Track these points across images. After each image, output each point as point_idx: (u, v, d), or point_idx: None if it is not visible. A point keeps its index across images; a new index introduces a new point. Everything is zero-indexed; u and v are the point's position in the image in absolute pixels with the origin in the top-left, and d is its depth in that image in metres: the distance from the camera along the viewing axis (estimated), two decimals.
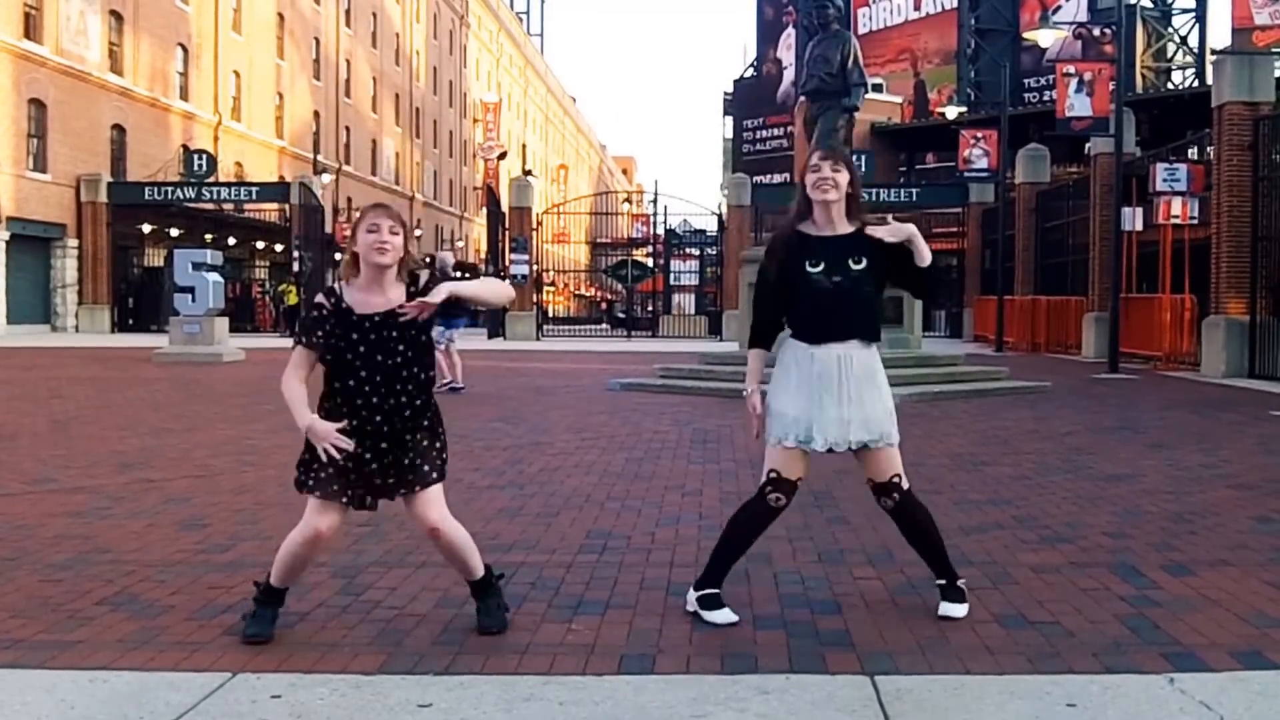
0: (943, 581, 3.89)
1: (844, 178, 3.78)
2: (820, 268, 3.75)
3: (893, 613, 3.91)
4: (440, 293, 3.46)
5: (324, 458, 3.45)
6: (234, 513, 5.68)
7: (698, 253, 39.55)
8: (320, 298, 3.58)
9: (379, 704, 3.04)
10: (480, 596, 3.73)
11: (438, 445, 3.67)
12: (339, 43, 55.28)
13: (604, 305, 69.23)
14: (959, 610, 3.83)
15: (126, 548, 4.86)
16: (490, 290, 3.84)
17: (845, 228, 3.82)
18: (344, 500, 3.53)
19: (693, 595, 3.89)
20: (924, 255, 3.78)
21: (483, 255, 47.61)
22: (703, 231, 37.87)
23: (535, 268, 34.81)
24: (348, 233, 3.63)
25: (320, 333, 3.51)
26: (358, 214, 3.61)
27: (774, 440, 3.80)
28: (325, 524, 3.54)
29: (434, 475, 3.63)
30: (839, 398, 3.73)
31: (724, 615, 3.77)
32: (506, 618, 3.72)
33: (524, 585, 4.26)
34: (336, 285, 3.59)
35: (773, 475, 3.79)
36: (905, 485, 3.87)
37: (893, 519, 3.95)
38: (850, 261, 3.76)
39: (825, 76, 14.01)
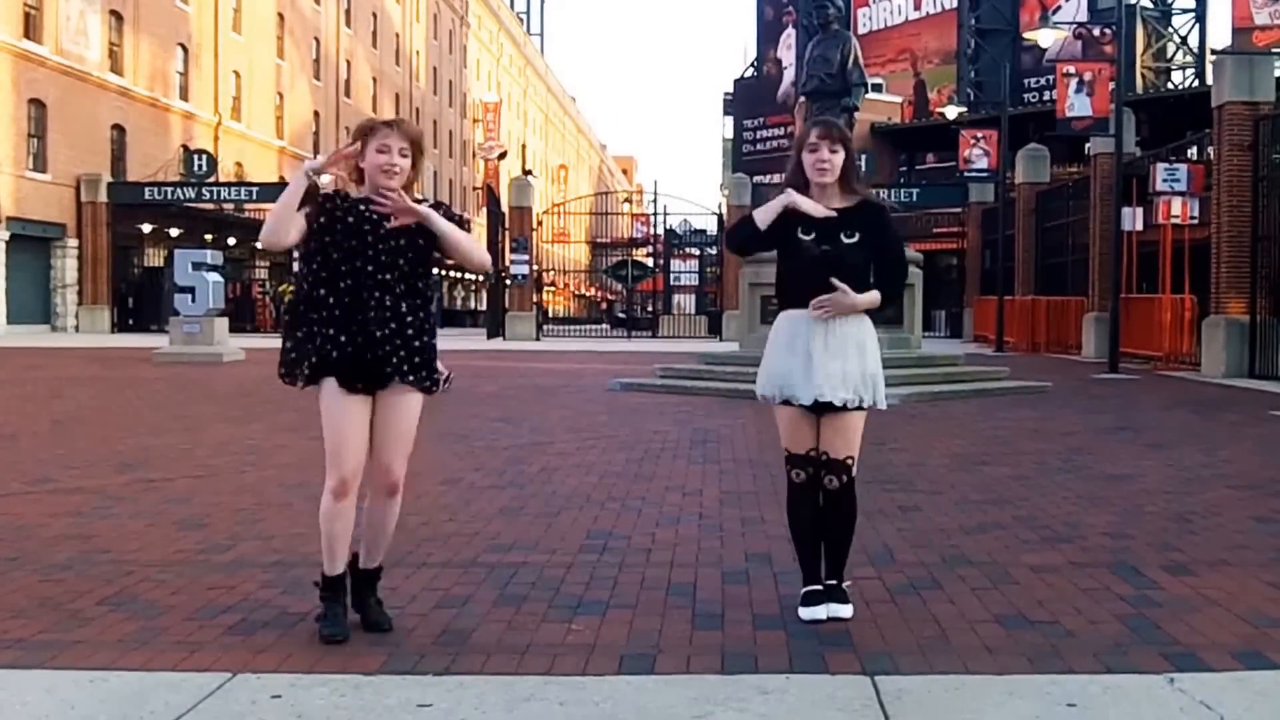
0: (833, 581, 3.87)
1: (840, 158, 3.80)
2: (811, 236, 3.78)
3: (893, 613, 3.91)
4: (422, 206, 3.52)
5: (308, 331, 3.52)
6: (234, 513, 5.68)
7: (698, 253, 39.56)
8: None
9: (379, 704, 3.04)
10: (366, 592, 3.71)
11: (419, 354, 3.59)
12: (339, 43, 55.28)
13: (604, 305, 69.23)
14: (846, 610, 3.81)
15: (126, 548, 4.86)
16: (469, 242, 3.72)
17: (839, 202, 3.84)
18: (329, 373, 3.52)
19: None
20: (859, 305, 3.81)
21: None
22: (703, 231, 37.88)
23: (535, 268, 34.82)
24: (352, 145, 3.57)
25: (324, 203, 3.55)
26: (367, 127, 3.57)
27: (760, 398, 3.92)
28: (347, 468, 3.55)
29: (413, 376, 3.57)
30: (822, 359, 3.75)
31: (810, 612, 3.78)
32: (385, 615, 3.70)
33: (524, 585, 4.26)
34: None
35: (785, 453, 3.89)
36: (854, 472, 3.87)
37: (826, 501, 3.87)
38: (843, 235, 3.78)
39: (825, 76, 14.02)
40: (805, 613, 3.80)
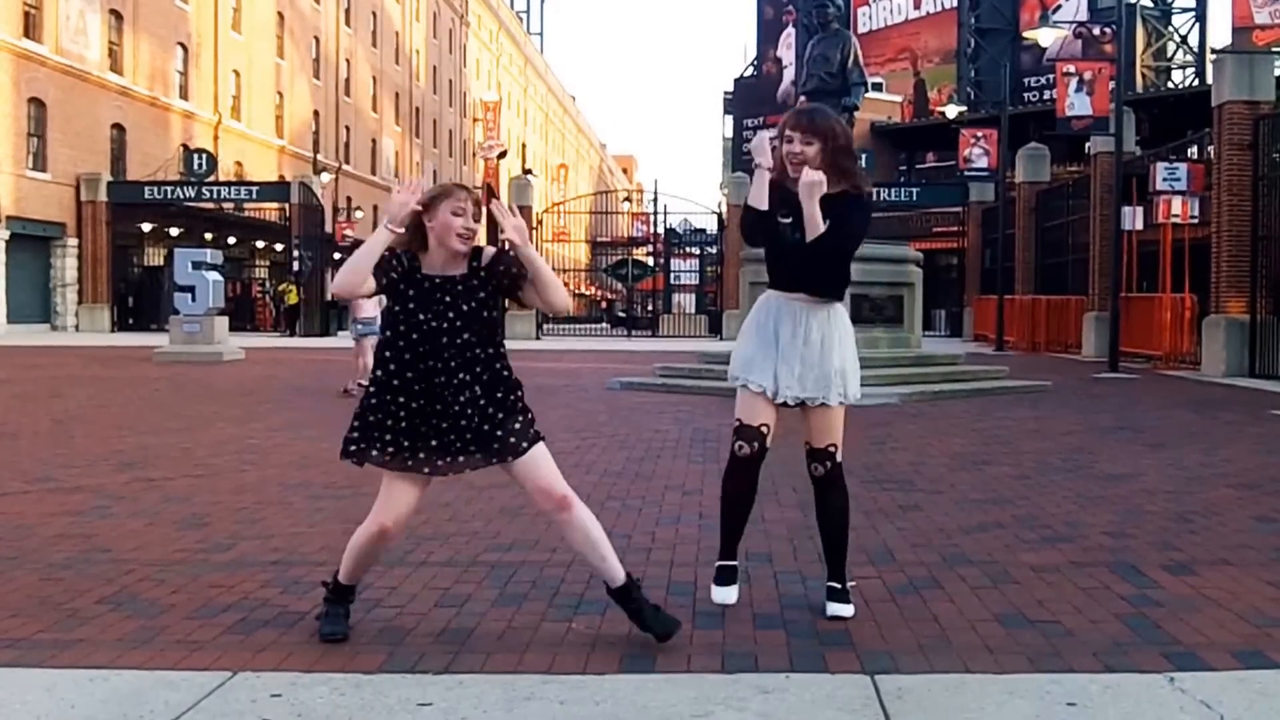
0: (834, 584, 3.87)
1: (814, 149, 3.71)
2: (789, 220, 3.75)
3: (893, 612, 3.91)
4: (517, 233, 3.46)
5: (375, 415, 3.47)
6: (234, 512, 5.68)
7: (698, 252, 39.56)
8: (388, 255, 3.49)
9: (379, 703, 3.03)
10: (625, 603, 3.54)
11: (507, 414, 3.50)
12: (339, 42, 55.27)
13: (604, 304, 69.22)
14: (847, 610, 3.82)
15: (126, 547, 4.86)
16: (551, 277, 3.60)
17: (825, 191, 3.71)
18: (388, 458, 3.47)
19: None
20: (815, 225, 3.66)
21: None
22: (703, 230, 37.90)
23: None
24: (420, 207, 3.44)
25: (390, 271, 3.45)
26: (436, 190, 3.49)
27: (730, 378, 3.91)
28: (391, 519, 3.51)
29: (518, 443, 3.48)
30: (787, 350, 3.76)
31: (721, 594, 3.85)
32: (669, 617, 3.52)
33: (524, 584, 4.26)
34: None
35: (736, 423, 3.84)
36: (839, 458, 3.85)
37: (814, 490, 3.92)
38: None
39: (825, 76, 14.01)
40: (718, 594, 3.86)
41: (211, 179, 35.51)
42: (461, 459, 3.48)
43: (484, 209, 3.52)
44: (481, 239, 3.62)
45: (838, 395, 3.80)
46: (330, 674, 3.25)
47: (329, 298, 32.15)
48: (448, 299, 3.46)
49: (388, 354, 3.47)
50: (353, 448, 3.55)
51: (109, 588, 4.18)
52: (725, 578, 3.92)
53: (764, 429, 3.80)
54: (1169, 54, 53.03)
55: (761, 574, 4.42)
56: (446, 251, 3.46)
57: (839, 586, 3.88)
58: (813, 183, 3.64)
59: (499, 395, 3.50)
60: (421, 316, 3.44)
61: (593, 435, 8.87)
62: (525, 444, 3.49)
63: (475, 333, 3.47)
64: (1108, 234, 19.25)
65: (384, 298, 3.54)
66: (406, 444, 3.46)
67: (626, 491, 6.36)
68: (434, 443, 3.46)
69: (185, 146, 37.91)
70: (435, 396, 3.44)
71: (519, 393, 3.57)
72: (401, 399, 3.45)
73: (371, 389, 3.54)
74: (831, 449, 3.82)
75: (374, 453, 3.49)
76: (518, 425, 3.51)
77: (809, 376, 3.76)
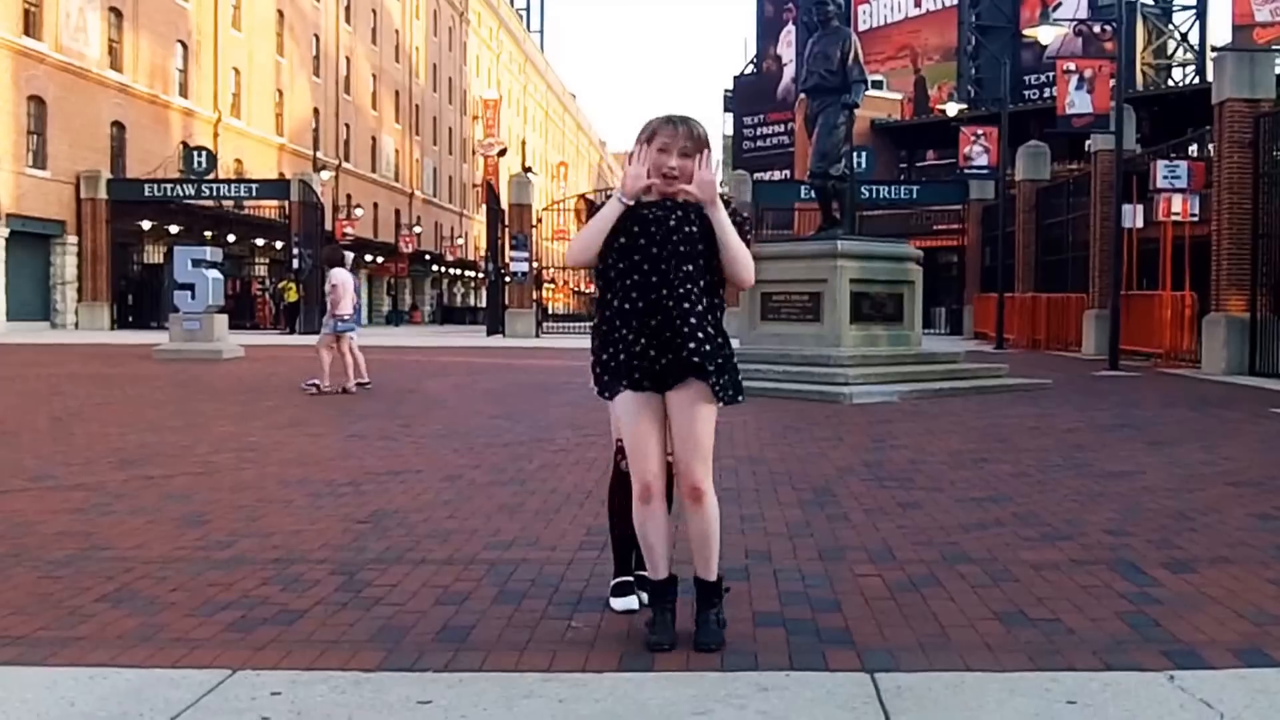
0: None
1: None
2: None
3: (893, 610, 3.91)
4: (709, 186, 3.39)
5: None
6: (234, 510, 5.67)
7: None
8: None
9: (379, 701, 3.03)
10: (701, 605, 3.52)
11: (724, 357, 3.45)
12: (339, 39, 55.26)
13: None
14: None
15: (126, 544, 4.86)
16: (743, 253, 3.50)
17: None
18: (626, 384, 3.45)
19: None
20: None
21: (483, 253, 47.58)
22: None
23: (535, 265, 34.81)
24: (630, 150, 3.45)
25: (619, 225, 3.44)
26: (650, 129, 3.44)
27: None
28: (639, 484, 3.49)
29: (719, 384, 3.42)
30: None
31: (624, 602, 3.86)
32: (724, 635, 3.49)
33: (524, 582, 4.26)
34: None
35: (620, 443, 3.86)
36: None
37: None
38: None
39: (825, 73, 14.01)
40: (618, 603, 3.88)
41: (211, 177, 35.54)
42: (684, 365, 3.43)
43: (695, 145, 3.42)
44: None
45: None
46: (330, 672, 3.25)
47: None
48: (671, 222, 3.42)
49: (610, 296, 3.47)
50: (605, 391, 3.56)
51: (109, 585, 4.17)
52: (621, 590, 3.94)
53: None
54: (1169, 52, 53.04)
55: (761, 572, 4.42)
56: (657, 191, 3.43)
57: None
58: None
59: (718, 340, 3.48)
60: (644, 244, 3.42)
61: (593, 432, 8.87)
62: (725, 393, 3.47)
63: (695, 258, 3.44)
64: (1108, 232, 19.25)
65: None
66: (636, 363, 3.45)
67: None
68: (659, 362, 3.43)
69: (185, 144, 37.94)
70: (658, 325, 3.42)
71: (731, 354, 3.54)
72: (630, 335, 3.44)
73: (602, 337, 3.53)
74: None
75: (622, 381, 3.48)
76: (728, 372, 3.48)
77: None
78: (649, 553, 3.56)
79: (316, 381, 12.56)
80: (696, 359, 3.41)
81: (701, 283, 3.46)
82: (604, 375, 3.54)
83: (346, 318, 12.99)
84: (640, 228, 3.44)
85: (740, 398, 3.52)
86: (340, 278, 13.14)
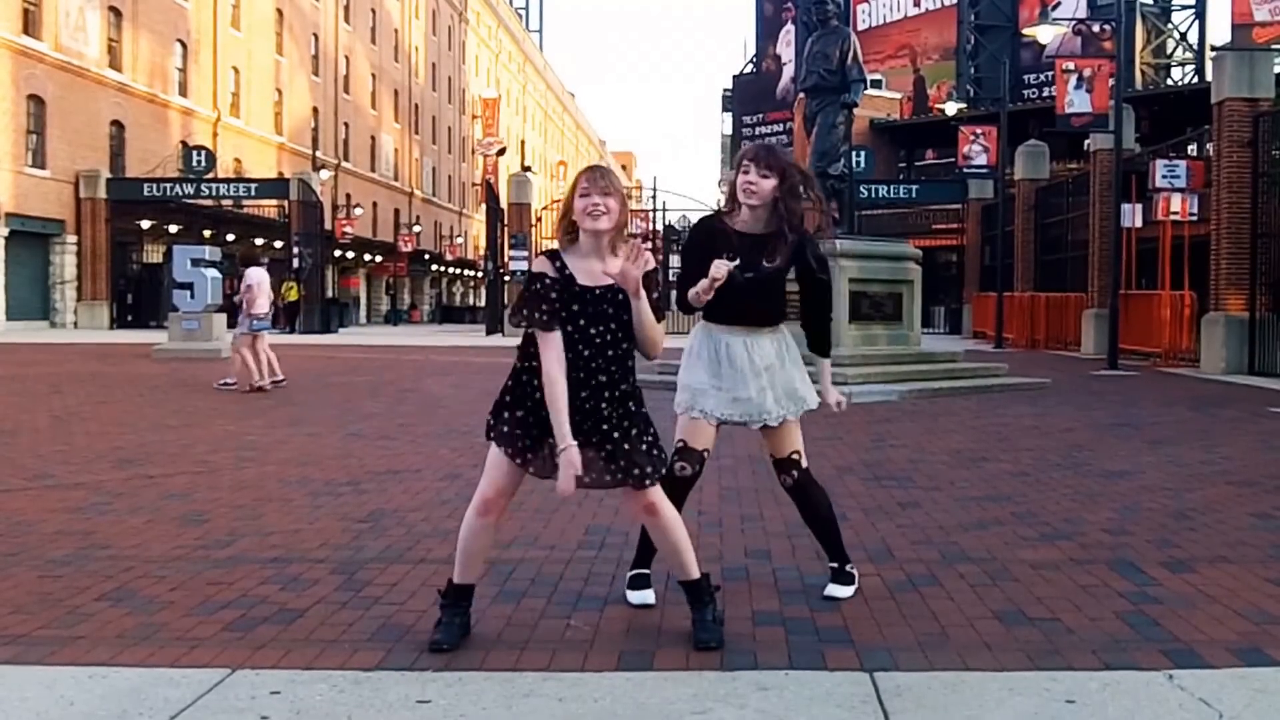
0: (834, 565, 4.06)
1: (769, 184, 3.78)
2: (735, 259, 3.76)
3: (892, 609, 3.91)
4: (645, 264, 3.38)
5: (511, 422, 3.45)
6: (233, 509, 5.67)
7: None
8: (543, 263, 3.43)
9: (378, 700, 3.03)
10: (693, 605, 3.55)
11: (649, 438, 3.50)
12: (338, 39, 55.23)
13: None
14: (845, 591, 4.01)
15: (126, 544, 4.86)
16: (656, 330, 3.52)
17: (761, 228, 3.85)
18: (520, 461, 3.45)
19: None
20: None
21: (482, 252, 47.57)
22: None
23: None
24: (558, 203, 3.55)
25: (554, 302, 3.38)
26: (572, 179, 3.48)
27: (679, 409, 3.98)
28: (493, 491, 3.50)
29: (650, 479, 3.47)
30: (735, 378, 3.86)
31: (640, 596, 3.92)
32: (722, 632, 3.50)
33: (523, 581, 4.26)
34: (557, 250, 3.48)
35: (679, 444, 3.92)
36: (804, 464, 3.98)
37: (794, 500, 4.07)
38: (764, 261, 3.81)
39: (824, 73, 14.00)
40: (634, 597, 3.93)
41: (210, 176, 35.51)
42: (617, 479, 3.47)
43: (617, 189, 3.44)
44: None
45: (799, 407, 3.93)
46: (329, 671, 3.25)
47: (329, 294, 32.04)
48: (611, 309, 3.43)
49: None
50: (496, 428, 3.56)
51: (108, 584, 4.17)
52: (639, 583, 3.98)
53: (705, 453, 3.94)
54: (1168, 51, 53.03)
55: (760, 571, 4.42)
56: (589, 236, 3.42)
57: (838, 567, 4.05)
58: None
59: (646, 416, 3.56)
60: (593, 331, 3.42)
61: None
62: (652, 479, 3.51)
63: (628, 341, 3.47)
64: (1107, 231, 19.25)
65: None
66: (539, 447, 3.46)
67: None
68: (593, 467, 3.44)
69: (184, 143, 37.91)
70: (595, 411, 3.44)
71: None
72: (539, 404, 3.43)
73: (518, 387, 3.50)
74: (795, 455, 3.95)
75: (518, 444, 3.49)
76: (655, 454, 3.53)
77: (769, 396, 3.86)
78: (462, 557, 3.56)
79: (230, 380, 12.94)
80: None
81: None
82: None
83: (261, 316, 13.19)
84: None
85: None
86: (256, 277, 13.47)
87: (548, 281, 3.39)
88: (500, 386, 3.55)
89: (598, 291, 3.41)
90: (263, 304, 13.25)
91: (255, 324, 13.07)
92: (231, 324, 15.85)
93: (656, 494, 3.53)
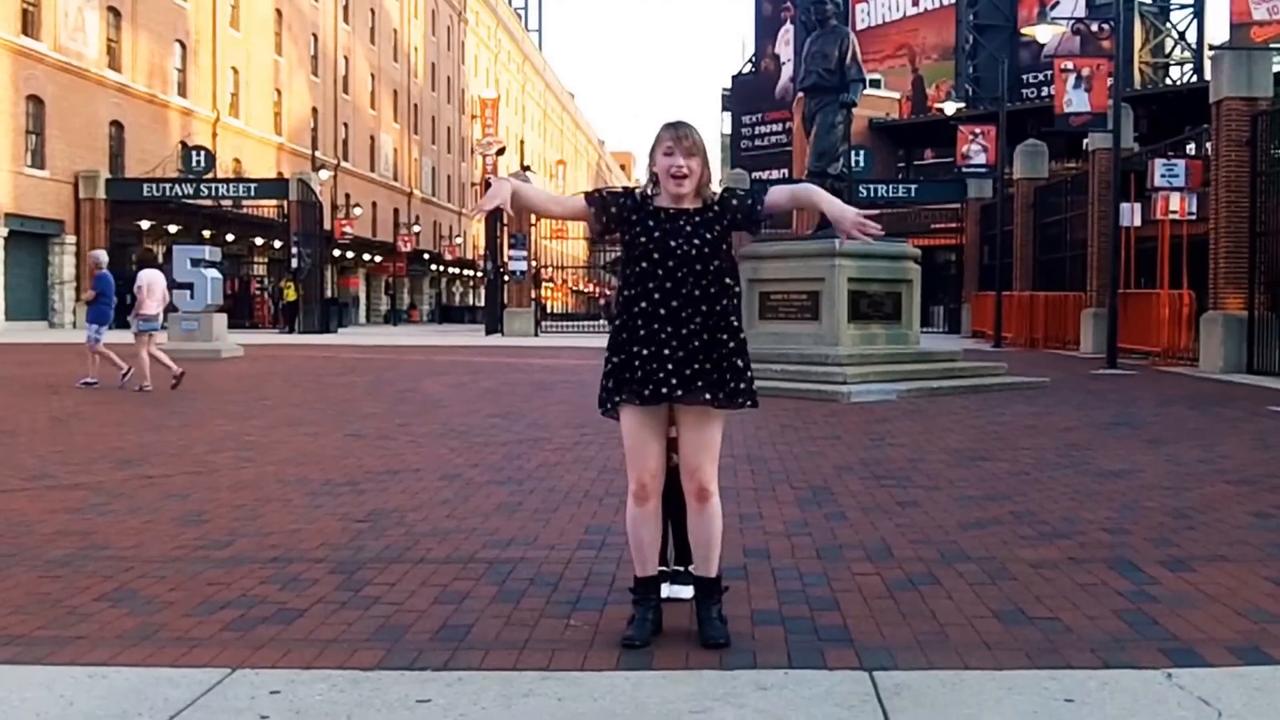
0: (681, 566, 3.95)
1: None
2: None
3: (891, 608, 3.91)
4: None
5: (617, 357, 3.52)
6: (233, 509, 5.68)
7: None
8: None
9: (377, 699, 3.04)
10: (702, 602, 3.57)
11: (742, 362, 3.54)
12: (337, 39, 55.20)
13: (603, 301, 69.22)
14: (688, 592, 3.84)
15: (125, 544, 4.86)
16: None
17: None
18: (639, 399, 3.49)
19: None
20: None
21: (481, 252, 47.55)
22: None
23: (533, 264, 34.79)
24: (646, 153, 3.61)
25: (615, 203, 3.56)
26: (657, 133, 3.56)
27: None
28: (635, 483, 3.53)
29: (742, 399, 3.53)
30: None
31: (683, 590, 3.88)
32: (728, 631, 3.51)
33: (523, 581, 4.26)
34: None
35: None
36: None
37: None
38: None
39: (823, 72, 14.01)
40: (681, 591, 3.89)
41: (210, 176, 35.49)
42: (698, 391, 3.49)
43: (700, 147, 3.54)
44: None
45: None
46: (329, 670, 3.25)
47: (328, 294, 32.07)
48: (689, 227, 3.50)
49: (637, 288, 3.52)
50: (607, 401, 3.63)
51: (107, 585, 4.18)
52: (685, 579, 3.93)
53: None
54: (1167, 50, 53.05)
55: (759, 570, 4.43)
56: (669, 196, 3.53)
57: (683, 569, 3.92)
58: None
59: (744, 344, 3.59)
60: (673, 244, 3.50)
61: (591, 431, 8.87)
62: (742, 399, 3.56)
63: (718, 258, 3.52)
64: (1106, 230, 19.24)
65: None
66: (646, 370, 3.50)
67: (625, 488, 6.34)
68: (676, 373, 3.48)
69: (184, 143, 37.89)
70: (688, 322, 3.48)
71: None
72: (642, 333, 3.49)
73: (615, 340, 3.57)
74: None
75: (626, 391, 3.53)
76: (746, 381, 3.57)
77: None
78: (639, 551, 3.58)
79: (90, 379, 13.06)
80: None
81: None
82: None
83: (150, 318, 13.28)
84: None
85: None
86: (148, 278, 13.64)
87: (621, 197, 3.58)
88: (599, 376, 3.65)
89: (673, 210, 3.52)
90: (151, 305, 13.44)
91: (142, 324, 13.23)
92: (242, 324, 16.07)
93: (714, 483, 3.55)
